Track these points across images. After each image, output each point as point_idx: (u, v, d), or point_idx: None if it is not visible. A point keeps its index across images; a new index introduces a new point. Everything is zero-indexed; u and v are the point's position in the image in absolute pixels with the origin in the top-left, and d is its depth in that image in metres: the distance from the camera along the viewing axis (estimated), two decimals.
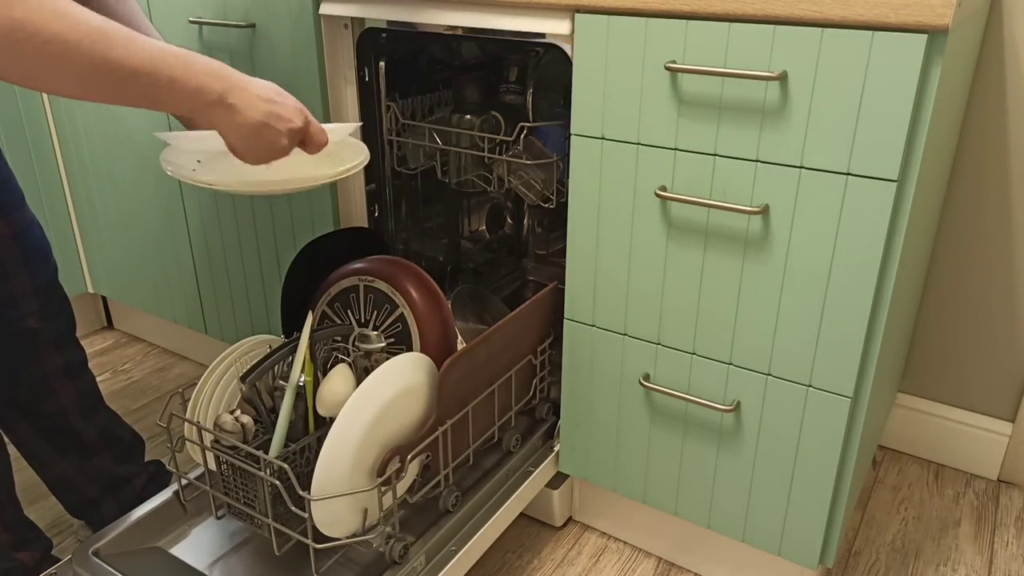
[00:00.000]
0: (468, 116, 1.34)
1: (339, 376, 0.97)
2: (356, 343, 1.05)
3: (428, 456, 1.01)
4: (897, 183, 0.84)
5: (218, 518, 1.02)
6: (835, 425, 0.96)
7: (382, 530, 0.95)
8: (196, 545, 1.03)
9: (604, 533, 1.31)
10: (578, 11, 0.98)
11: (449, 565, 1.00)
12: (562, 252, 1.49)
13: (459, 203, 1.64)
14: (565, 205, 1.08)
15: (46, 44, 0.69)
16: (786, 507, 1.04)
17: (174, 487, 1.05)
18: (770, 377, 0.99)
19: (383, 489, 0.93)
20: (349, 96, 1.27)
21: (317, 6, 1.20)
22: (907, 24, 0.78)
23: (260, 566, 1.00)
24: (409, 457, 0.95)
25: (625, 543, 1.29)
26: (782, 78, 0.87)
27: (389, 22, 1.20)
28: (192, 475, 1.02)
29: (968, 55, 1.11)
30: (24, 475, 1.43)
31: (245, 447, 0.92)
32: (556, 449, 1.23)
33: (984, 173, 1.32)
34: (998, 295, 1.37)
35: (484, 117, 1.34)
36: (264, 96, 0.82)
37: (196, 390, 1.03)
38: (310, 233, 1.35)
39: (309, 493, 0.87)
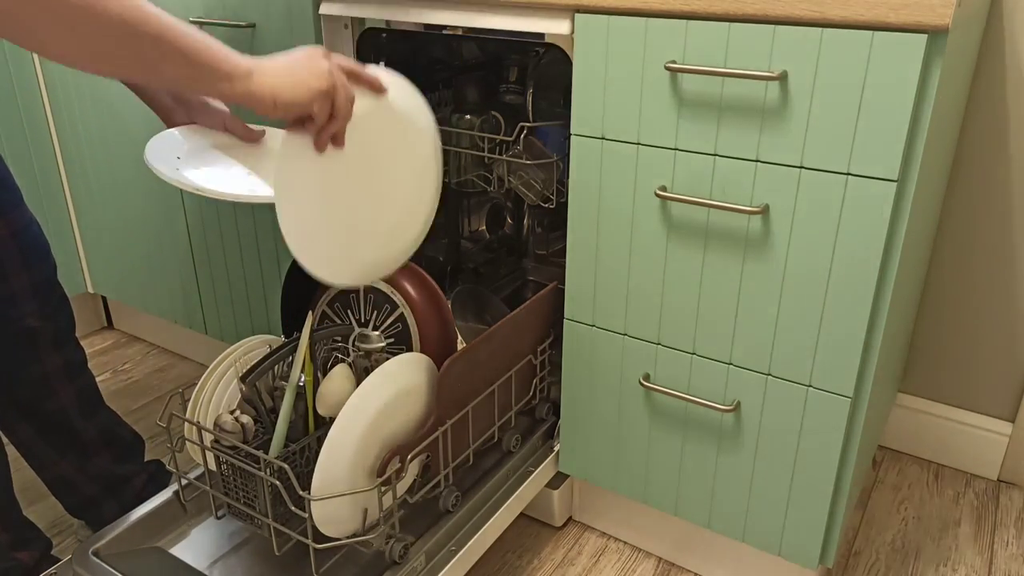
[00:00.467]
0: (468, 116, 1.34)
1: (339, 376, 0.97)
2: (356, 343, 1.05)
3: (428, 456, 1.01)
4: (897, 183, 0.84)
5: (218, 518, 1.02)
6: (835, 425, 0.96)
7: (382, 530, 0.94)
8: (196, 545, 1.03)
9: (604, 533, 1.31)
10: (578, 11, 0.98)
11: (449, 565, 1.00)
12: (562, 252, 1.49)
13: (459, 203, 1.64)
14: (565, 205, 1.08)
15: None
16: (786, 507, 1.04)
17: (174, 487, 1.05)
18: (770, 377, 0.99)
19: (383, 489, 0.93)
20: None
21: (317, 6, 1.20)
22: (907, 24, 0.78)
23: (260, 566, 1.00)
24: (409, 457, 0.95)
25: (625, 543, 1.29)
26: (782, 78, 0.87)
27: (388, 22, 1.20)
28: (192, 475, 1.02)
29: (968, 55, 1.11)
30: (24, 475, 1.43)
31: (245, 447, 0.92)
32: (556, 449, 1.23)
33: (984, 173, 1.32)
34: (998, 295, 1.37)
35: (484, 117, 1.34)
36: (286, 62, 0.79)
37: (196, 390, 1.03)
38: None
39: (309, 493, 0.87)
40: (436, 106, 1.43)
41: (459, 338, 1.19)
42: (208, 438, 0.96)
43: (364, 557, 1.00)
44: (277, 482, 0.89)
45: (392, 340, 1.11)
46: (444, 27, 1.16)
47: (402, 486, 0.98)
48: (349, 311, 1.15)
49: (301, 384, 0.98)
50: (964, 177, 1.34)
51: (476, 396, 1.06)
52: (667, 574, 1.24)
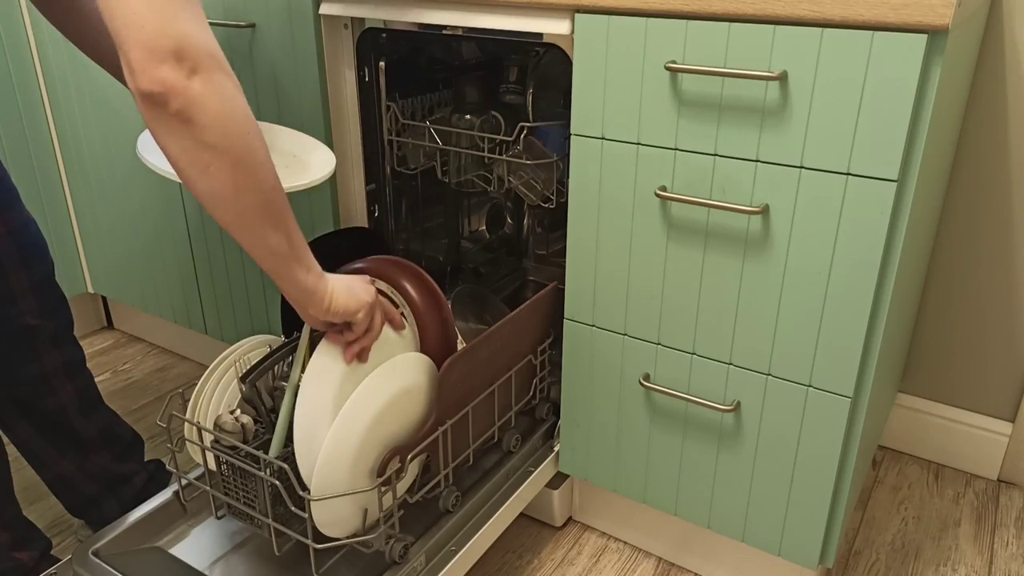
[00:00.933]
0: (468, 116, 1.34)
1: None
2: None
3: (428, 456, 1.01)
4: (897, 183, 0.84)
5: (218, 518, 1.02)
6: (835, 425, 0.96)
7: (382, 530, 0.94)
8: (196, 545, 1.03)
9: (604, 533, 1.31)
10: (578, 11, 0.98)
11: (449, 565, 1.00)
12: (562, 252, 1.49)
13: (459, 203, 1.64)
14: (565, 205, 1.08)
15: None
16: (786, 507, 1.04)
17: (174, 487, 1.05)
18: (770, 377, 0.99)
19: (383, 489, 0.93)
20: (349, 96, 1.27)
21: (317, 6, 1.20)
22: (907, 24, 0.78)
23: (260, 566, 1.00)
24: (409, 457, 0.95)
25: (625, 543, 1.29)
26: (782, 78, 0.87)
27: (387, 22, 1.20)
28: (192, 475, 1.02)
29: (968, 55, 1.11)
30: (24, 475, 1.43)
31: (245, 447, 0.92)
32: (556, 449, 1.23)
33: (984, 173, 1.32)
34: (998, 295, 1.37)
35: (484, 117, 1.34)
36: (347, 277, 0.90)
37: (196, 390, 1.03)
38: (310, 233, 1.35)
39: (309, 493, 0.87)
40: (436, 106, 1.43)
41: (459, 338, 1.19)
42: (208, 438, 0.96)
43: (364, 557, 1.00)
44: (277, 482, 0.89)
45: None
46: (444, 27, 1.16)
47: (402, 486, 0.98)
48: None
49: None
50: (964, 177, 1.34)
51: (476, 396, 1.06)
52: (667, 574, 1.24)
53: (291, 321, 1.18)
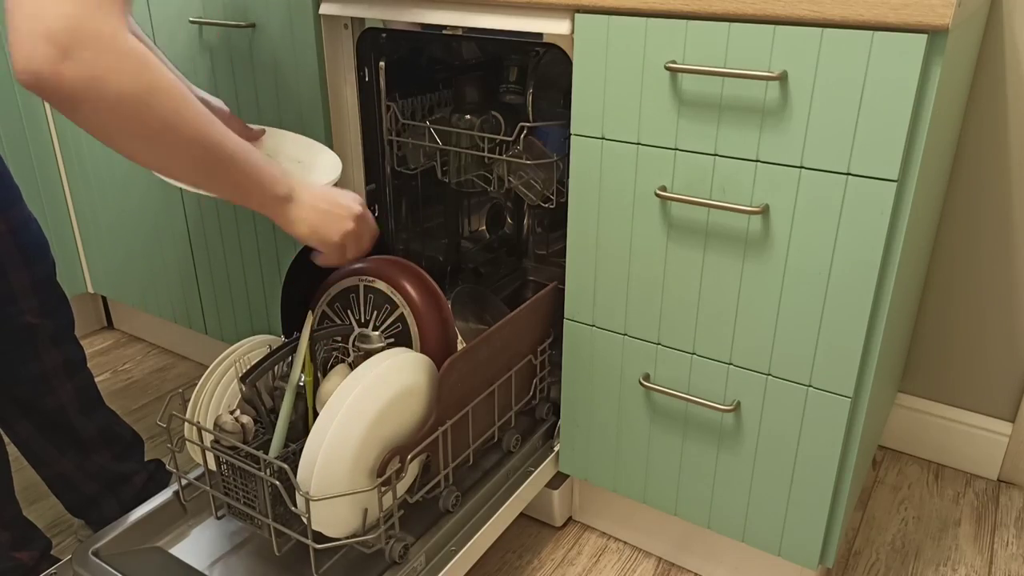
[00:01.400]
0: (468, 116, 1.34)
1: (339, 376, 0.97)
2: (356, 343, 1.05)
3: (428, 456, 1.01)
4: (897, 183, 0.84)
5: (218, 518, 1.02)
6: (835, 425, 0.96)
7: (382, 530, 0.94)
8: (196, 545, 1.03)
9: (604, 533, 1.31)
10: (578, 11, 0.98)
11: (449, 565, 1.00)
12: (562, 252, 1.49)
13: (459, 203, 1.64)
14: (565, 205, 1.08)
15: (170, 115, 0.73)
16: (786, 507, 1.04)
17: (174, 487, 1.05)
18: (770, 377, 0.99)
19: (383, 489, 0.93)
20: (349, 96, 1.27)
21: (317, 6, 1.20)
22: (907, 24, 0.78)
23: (260, 566, 1.00)
24: (409, 457, 0.95)
25: (625, 543, 1.29)
26: (782, 78, 0.87)
27: (387, 22, 1.20)
28: (192, 475, 1.02)
29: (968, 55, 1.11)
30: (24, 475, 1.43)
31: (245, 447, 0.92)
32: (556, 449, 1.23)
33: (984, 173, 1.32)
34: (998, 295, 1.37)
35: (484, 117, 1.34)
36: (321, 194, 0.90)
37: (196, 390, 1.03)
38: None
39: (309, 493, 0.87)
40: (436, 106, 1.43)
41: (459, 338, 1.19)
42: (208, 438, 0.96)
43: (364, 557, 1.00)
44: (277, 482, 0.89)
45: (392, 340, 1.11)
46: (444, 27, 1.16)
47: (402, 486, 0.98)
48: (349, 311, 1.14)
49: (301, 384, 0.98)
50: (964, 177, 1.34)
51: (476, 396, 1.07)
52: (667, 574, 1.24)
53: (291, 321, 1.18)
